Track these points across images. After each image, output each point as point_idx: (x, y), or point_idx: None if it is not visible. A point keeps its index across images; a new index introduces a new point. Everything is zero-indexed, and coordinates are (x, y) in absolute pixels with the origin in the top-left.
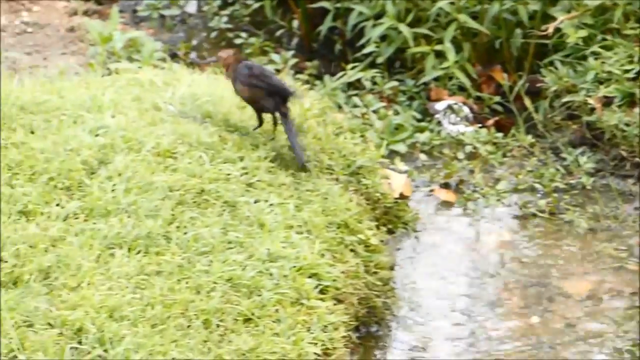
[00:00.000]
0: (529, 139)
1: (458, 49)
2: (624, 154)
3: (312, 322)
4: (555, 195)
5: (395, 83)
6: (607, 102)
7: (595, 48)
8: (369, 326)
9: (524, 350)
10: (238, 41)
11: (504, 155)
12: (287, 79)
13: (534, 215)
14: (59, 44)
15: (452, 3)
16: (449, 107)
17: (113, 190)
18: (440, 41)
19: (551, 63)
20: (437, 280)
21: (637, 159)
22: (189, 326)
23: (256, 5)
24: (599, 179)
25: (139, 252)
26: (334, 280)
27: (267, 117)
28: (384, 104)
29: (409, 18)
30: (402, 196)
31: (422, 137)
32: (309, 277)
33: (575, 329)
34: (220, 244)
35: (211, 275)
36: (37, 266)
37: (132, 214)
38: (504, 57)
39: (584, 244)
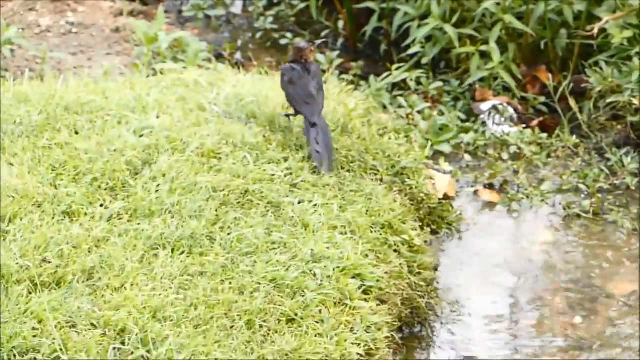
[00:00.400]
0: (574, 139)
1: (503, 49)
2: None
3: (355, 322)
4: (599, 195)
5: (440, 83)
6: None
7: None
8: (412, 327)
9: (567, 351)
10: (283, 42)
11: (549, 156)
12: (332, 79)
13: (578, 215)
14: (104, 45)
15: (497, 3)
16: (494, 107)
17: (157, 190)
18: (485, 42)
19: (596, 63)
20: (480, 280)
21: None
22: (232, 327)
23: (302, 5)
24: None
25: (182, 252)
26: (378, 281)
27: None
28: (428, 104)
29: (454, 18)
30: (446, 197)
31: (467, 137)
32: (353, 277)
33: (618, 329)
34: (264, 245)
35: (255, 275)
36: (81, 267)
37: (176, 214)
38: (549, 58)
39: (627, 244)
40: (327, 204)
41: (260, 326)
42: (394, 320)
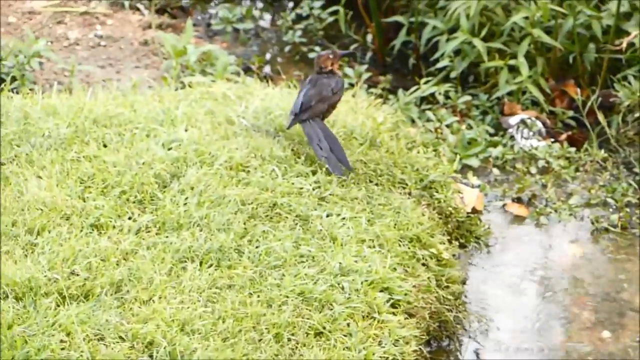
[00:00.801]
0: (602, 153)
1: (532, 63)
2: None
3: (383, 336)
4: (627, 210)
5: (468, 97)
6: None
7: None
8: (440, 340)
9: None
10: (312, 55)
11: (577, 170)
12: (360, 93)
13: (606, 229)
14: (133, 58)
15: (526, 18)
16: (522, 121)
17: (185, 203)
18: (514, 56)
19: (624, 78)
20: (508, 294)
21: None
22: (260, 340)
23: (330, 19)
24: None
25: (210, 265)
26: (406, 295)
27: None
28: (457, 118)
29: (483, 32)
30: (475, 210)
31: (495, 151)
32: (381, 291)
33: None
34: (292, 258)
35: (283, 289)
36: (109, 279)
37: (204, 227)
38: (578, 72)
39: None
40: (355, 217)
41: (289, 339)
42: (421, 334)
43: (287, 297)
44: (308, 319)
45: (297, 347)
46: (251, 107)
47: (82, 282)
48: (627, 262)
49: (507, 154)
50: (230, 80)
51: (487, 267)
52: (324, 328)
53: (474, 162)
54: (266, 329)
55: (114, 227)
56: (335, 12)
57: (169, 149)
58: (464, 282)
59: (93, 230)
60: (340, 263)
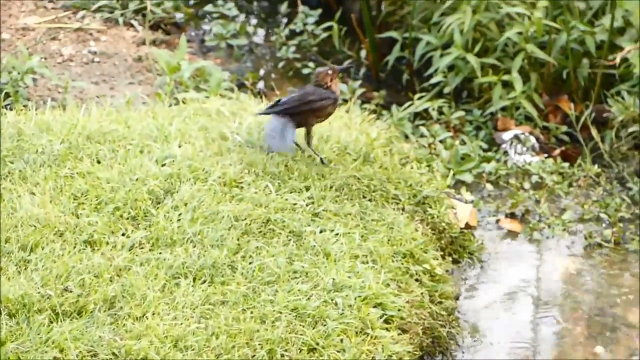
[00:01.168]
0: (595, 168)
1: (525, 78)
2: None
3: (376, 351)
4: (621, 225)
5: (462, 113)
6: None
7: None
8: (434, 356)
9: None
10: (306, 71)
11: (570, 185)
12: (354, 109)
13: (600, 245)
14: (127, 74)
15: (520, 33)
16: (516, 137)
17: (179, 219)
18: (507, 71)
19: (618, 93)
20: (502, 310)
21: None
22: (253, 356)
23: (324, 35)
24: None
25: (204, 281)
26: (399, 310)
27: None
28: (450, 133)
29: (477, 48)
30: (468, 226)
31: (489, 167)
32: (374, 306)
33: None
34: (286, 274)
35: (276, 305)
36: (102, 296)
37: (198, 243)
38: (571, 87)
39: None
40: (348, 233)
41: (282, 355)
42: (415, 350)
43: (281, 313)
44: (301, 334)
45: None
46: (245, 123)
47: (75, 298)
48: (620, 277)
49: (500, 170)
50: (224, 96)
51: (481, 283)
52: (317, 344)
53: (468, 178)
54: (259, 345)
55: (107, 243)
56: (329, 28)
57: (163, 165)
58: (457, 298)
59: (86, 246)
60: (333, 279)
